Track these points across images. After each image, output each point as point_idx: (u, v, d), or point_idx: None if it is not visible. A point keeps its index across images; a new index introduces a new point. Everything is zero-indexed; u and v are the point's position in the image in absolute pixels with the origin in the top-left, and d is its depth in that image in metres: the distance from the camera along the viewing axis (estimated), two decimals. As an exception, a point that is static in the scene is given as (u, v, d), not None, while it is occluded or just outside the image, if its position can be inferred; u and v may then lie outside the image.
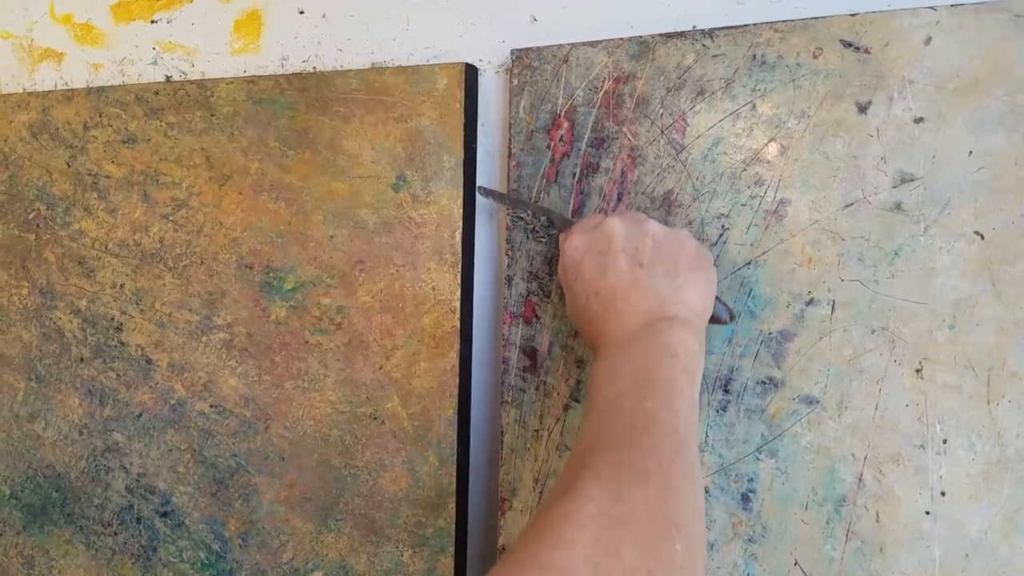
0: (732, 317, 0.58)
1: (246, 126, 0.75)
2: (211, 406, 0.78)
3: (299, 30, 0.75)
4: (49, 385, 0.86)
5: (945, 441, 0.53)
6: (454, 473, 0.68)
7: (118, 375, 0.82)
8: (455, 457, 0.68)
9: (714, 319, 0.56)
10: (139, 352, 0.81)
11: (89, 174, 0.82)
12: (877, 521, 0.54)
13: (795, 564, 0.56)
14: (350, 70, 0.71)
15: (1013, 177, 0.51)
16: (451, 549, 0.68)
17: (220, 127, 0.76)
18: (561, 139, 0.63)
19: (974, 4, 0.51)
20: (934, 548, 0.53)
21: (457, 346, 0.68)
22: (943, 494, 0.53)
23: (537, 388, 0.64)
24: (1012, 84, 0.50)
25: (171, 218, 0.79)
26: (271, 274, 0.75)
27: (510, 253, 0.65)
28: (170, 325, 0.80)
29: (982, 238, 0.52)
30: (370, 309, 0.71)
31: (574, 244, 0.55)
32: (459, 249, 0.68)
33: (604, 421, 0.45)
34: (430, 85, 0.68)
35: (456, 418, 0.68)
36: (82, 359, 0.84)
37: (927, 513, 0.53)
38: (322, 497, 0.74)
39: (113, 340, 0.82)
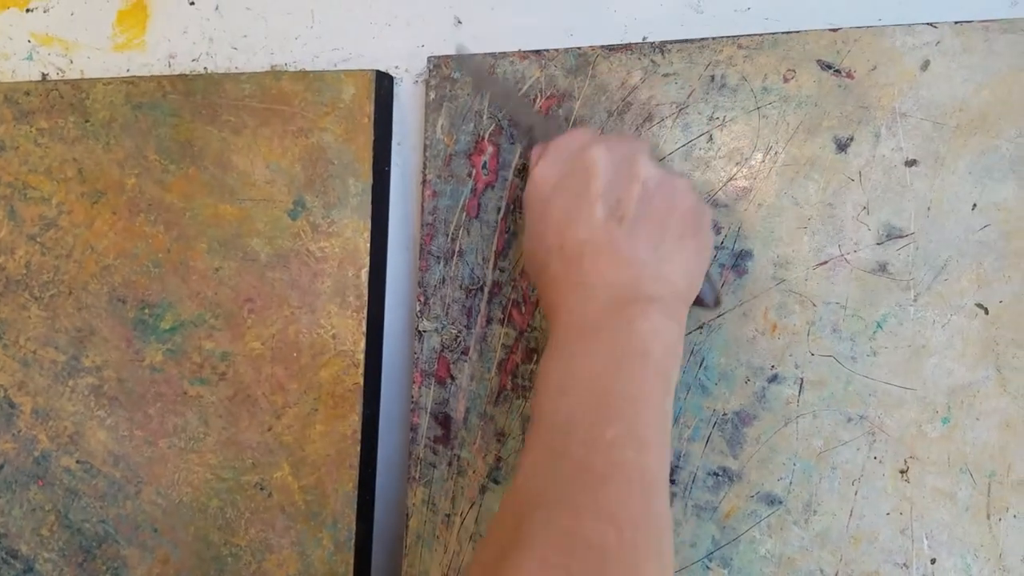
0: (718, 302, 0.46)
1: (123, 134, 0.64)
2: (77, 462, 0.66)
3: (189, 24, 0.64)
4: None
5: (934, 561, 0.43)
6: (351, 561, 0.57)
7: (-24, 419, 0.71)
8: (353, 541, 0.57)
9: (696, 300, 0.45)
10: (1, 394, 0.70)
11: (-54, 184, 0.70)
12: (848, 653, 0.44)
13: None
14: (243, 73, 0.60)
15: (1019, 231, 0.41)
16: (344, 652, 0.57)
17: (95, 135, 0.65)
18: (484, 166, 0.52)
19: (983, 22, 0.41)
20: None
21: (359, 407, 0.57)
22: (928, 549, 0.43)
23: (450, 463, 0.54)
24: (1020, 115, 0.41)
25: (39, 239, 0.68)
26: (146, 310, 0.64)
27: (422, 299, 0.54)
28: (35, 364, 0.68)
29: (986, 312, 0.42)
30: (260, 357, 0.60)
31: (544, 172, 0.44)
32: (365, 291, 0.57)
33: (551, 453, 0.36)
34: (335, 94, 0.57)
35: (356, 494, 0.57)
36: (-65, 399, 0.72)
37: (910, 648, 0.43)
38: (199, 576, 0.62)
39: (-29, 378, 0.71)
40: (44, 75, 0.70)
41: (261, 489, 0.60)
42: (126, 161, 0.64)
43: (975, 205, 0.42)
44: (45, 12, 0.69)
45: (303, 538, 0.59)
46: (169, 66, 0.65)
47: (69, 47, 0.69)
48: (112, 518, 0.65)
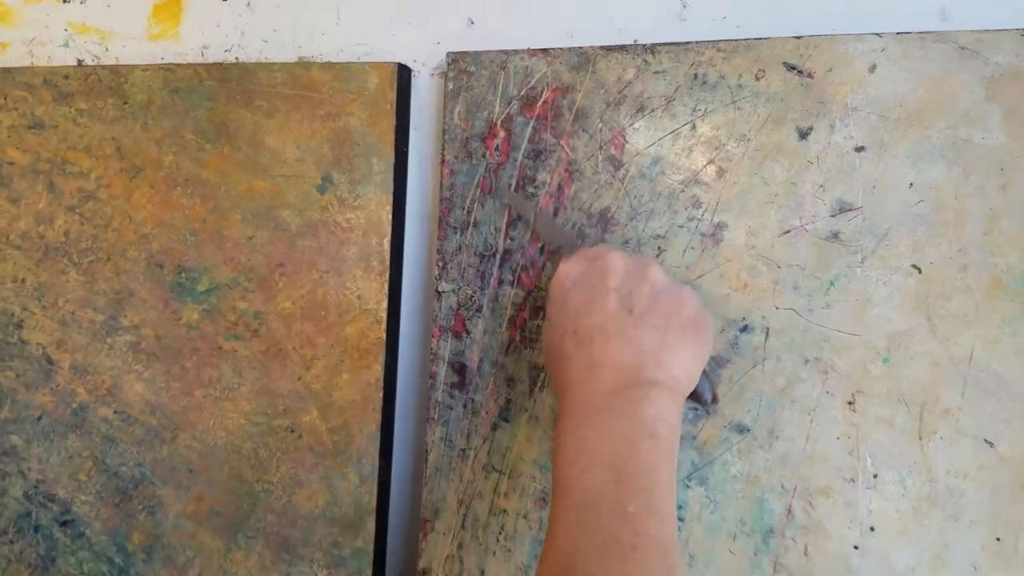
0: (715, 399, 0.54)
1: (161, 116, 0.71)
2: (115, 412, 0.73)
3: (222, 18, 0.70)
4: (-62, 384, 0.80)
5: (876, 476, 0.52)
6: (375, 491, 0.65)
7: (17, 375, 0.77)
8: (376, 474, 0.65)
9: (694, 395, 0.52)
10: (40, 351, 0.76)
11: (-12, 159, 0.76)
12: (805, 554, 0.53)
13: (720, 595, 0.55)
14: (275, 63, 0.67)
15: (952, 211, 0.50)
16: (369, 571, 0.66)
17: (133, 116, 0.72)
18: (497, 148, 0.60)
19: (920, 33, 0.50)
20: (859, 583, 0.52)
21: (382, 358, 0.65)
22: (872, 529, 0.52)
23: (465, 406, 0.62)
24: (954, 116, 0.50)
25: (77, 210, 0.74)
26: (183, 274, 0.71)
27: (440, 264, 0.62)
28: (73, 324, 0.75)
29: (919, 272, 0.51)
30: (290, 316, 0.68)
31: (568, 270, 0.50)
32: (387, 257, 0.65)
33: (582, 524, 0.42)
34: (360, 83, 0.65)
35: (378, 434, 0.65)
36: (-24, 357, 0.78)
37: (855, 548, 0.52)
38: (232, 512, 0.70)
39: (13, 337, 0.77)
40: (80, 61, 0.76)
41: (292, 432, 0.68)
42: (164, 140, 0.71)
43: (911, 184, 0.51)
44: (82, 3, 0.75)
45: (330, 473, 0.67)
46: (202, 56, 0.72)
47: (105, 36, 0.75)
48: (148, 462, 0.72)
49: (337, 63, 0.66)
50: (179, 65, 0.70)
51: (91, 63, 0.75)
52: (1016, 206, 0.49)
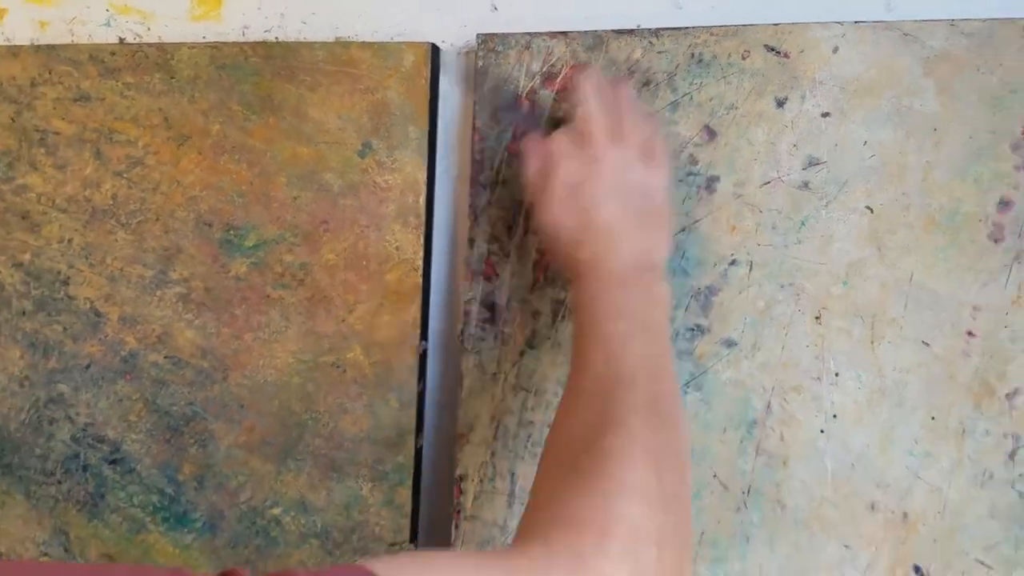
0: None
1: (207, 90, 0.79)
2: (165, 357, 0.82)
3: (263, 1, 0.79)
4: (-13, 338, 0.86)
5: (837, 375, 0.66)
6: (413, 414, 0.76)
7: (64, 328, 0.84)
8: (415, 400, 0.76)
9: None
10: (87, 305, 0.83)
11: (36, 130, 0.83)
12: (781, 440, 0.67)
13: (714, 476, 0.68)
14: (315, 42, 0.77)
15: (897, 164, 0.64)
16: (409, 481, 0.76)
17: (180, 89, 0.80)
18: (523, 117, 0.71)
19: (872, 23, 0.64)
20: (827, 461, 0.66)
21: (419, 301, 0.75)
22: (835, 417, 0.66)
23: (496, 337, 0.73)
24: (899, 89, 0.63)
25: (125, 175, 0.82)
26: (231, 232, 0.79)
27: (473, 217, 0.73)
28: (122, 279, 0.82)
29: (871, 212, 0.65)
30: (334, 266, 0.77)
31: (554, 151, 0.62)
32: (423, 213, 0.75)
33: (620, 356, 0.53)
34: (397, 61, 0.75)
35: (416, 365, 0.76)
36: (24, 312, 0.85)
37: (821, 432, 0.66)
38: (282, 440, 0.79)
39: (59, 293, 0.84)
40: (121, 39, 0.83)
41: (337, 367, 0.78)
42: (210, 111, 0.79)
43: (865, 142, 0.65)
44: (121, -15, 0.83)
45: (373, 401, 0.77)
46: (243, 35, 0.80)
47: (147, 16, 0.82)
48: (200, 400, 0.81)
49: (375, 42, 0.75)
50: (225, 43, 0.78)
51: (133, 41, 0.83)
52: (946, 159, 0.63)
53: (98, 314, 0.83)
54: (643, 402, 0.51)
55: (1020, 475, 0.63)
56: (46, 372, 0.85)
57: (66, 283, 0.84)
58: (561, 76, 0.70)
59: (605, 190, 0.60)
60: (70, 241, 0.83)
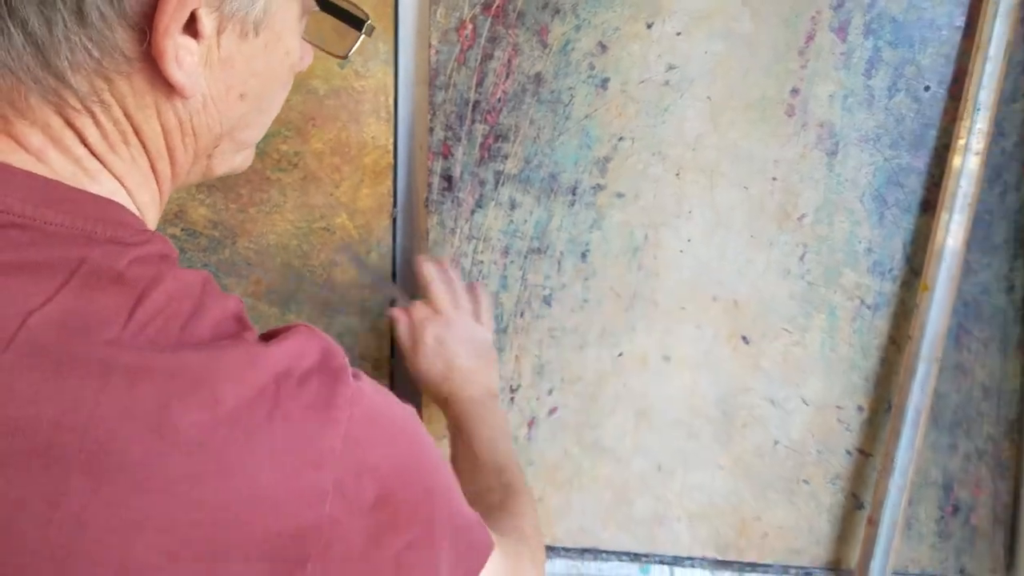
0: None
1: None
2: (182, 230, 1.03)
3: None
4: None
5: (690, 212, 0.98)
6: (391, 263, 1.02)
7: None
8: (391, 251, 1.02)
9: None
10: (107, 194, 1.03)
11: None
12: (655, 259, 0.98)
13: (610, 288, 0.99)
14: (300, -21, 0.99)
15: (725, 67, 0.96)
16: (390, 312, 1.02)
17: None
18: (467, 36, 0.98)
19: (708, -28, 0.95)
20: (684, 271, 0.98)
21: (392, 177, 1.01)
22: (689, 240, 0.98)
23: (452, 201, 1.00)
24: (726, 15, 0.95)
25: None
26: (235, 129, 1.01)
27: (431, 111, 0.99)
28: (138, 171, 1.02)
29: (710, 100, 0.96)
30: (322, 153, 1.01)
31: (419, 318, 0.92)
32: (392, 109, 1.00)
33: (497, 450, 0.82)
34: (367, -6, 0.99)
35: (391, 226, 1.02)
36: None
37: (681, 252, 0.98)
38: (284, 289, 1.03)
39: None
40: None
41: (327, 230, 1.02)
42: (214, 32, 1.00)
43: (705, 52, 0.96)
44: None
45: (359, 253, 1.02)
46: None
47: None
48: (213, 262, 1.03)
49: (348, -20, 0.99)
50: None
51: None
52: (757, 63, 0.95)
53: (117, 200, 1.03)
54: (520, 480, 0.80)
55: (808, 270, 0.97)
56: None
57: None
58: (496, 5, 0.97)
59: (459, 343, 0.89)
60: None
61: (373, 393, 0.49)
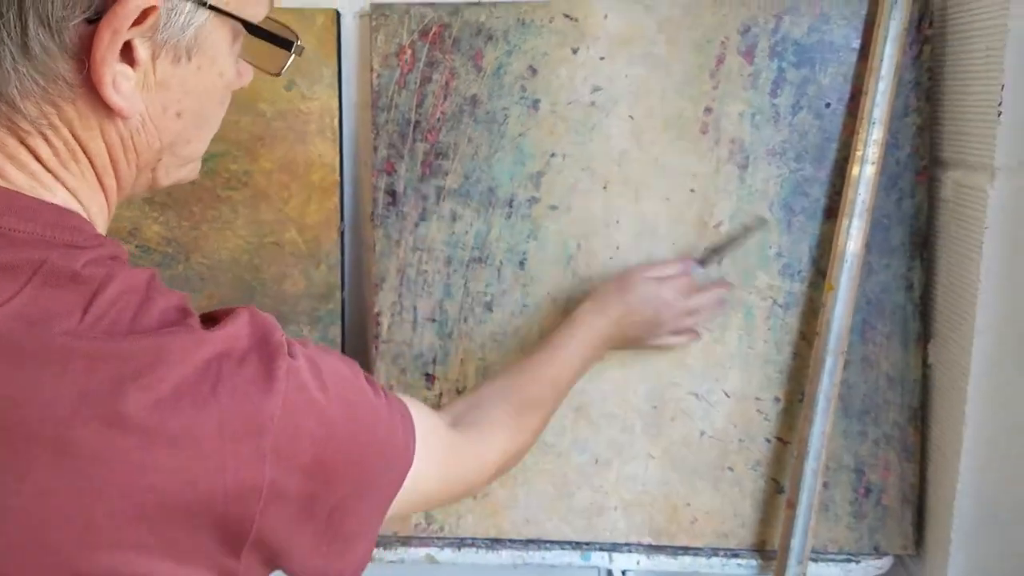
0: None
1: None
2: (136, 246, 1.07)
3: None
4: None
5: (618, 221, 1.06)
6: (339, 274, 1.08)
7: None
8: (339, 264, 1.08)
9: None
10: (62, 214, 1.07)
11: None
12: (587, 266, 1.06)
13: (547, 294, 1.06)
14: (248, 8, 1.05)
15: (645, 89, 1.04)
16: (339, 321, 1.08)
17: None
18: (406, 60, 1.05)
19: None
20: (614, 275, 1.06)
21: (338, 193, 1.07)
22: (617, 248, 1.06)
23: (396, 215, 1.06)
24: (644, 41, 1.03)
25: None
26: (187, 150, 1.06)
27: (375, 131, 1.06)
28: (92, 191, 1.06)
29: (632, 119, 1.05)
30: (271, 171, 1.07)
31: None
32: (337, 129, 1.06)
33: (556, 385, 0.91)
34: (311, 22, 1.05)
35: (339, 239, 1.08)
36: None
37: (611, 258, 1.06)
38: (236, 301, 1.08)
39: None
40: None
41: (277, 245, 1.08)
42: (165, 59, 1.05)
43: (626, 75, 1.04)
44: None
45: (307, 267, 1.08)
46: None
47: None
48: (167, 278, 1.07)
49: (292, 8, 1.05)
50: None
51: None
52: (672, 84, 1.04)
53: (72, 220, 1.07)
54: (547, 408, 0.91)
55: (725, 274, 1.06)
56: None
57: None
58: (432, 32, 1.04)
59: (651, 304, 0.99)
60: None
61: (314, 361, 0.57)
